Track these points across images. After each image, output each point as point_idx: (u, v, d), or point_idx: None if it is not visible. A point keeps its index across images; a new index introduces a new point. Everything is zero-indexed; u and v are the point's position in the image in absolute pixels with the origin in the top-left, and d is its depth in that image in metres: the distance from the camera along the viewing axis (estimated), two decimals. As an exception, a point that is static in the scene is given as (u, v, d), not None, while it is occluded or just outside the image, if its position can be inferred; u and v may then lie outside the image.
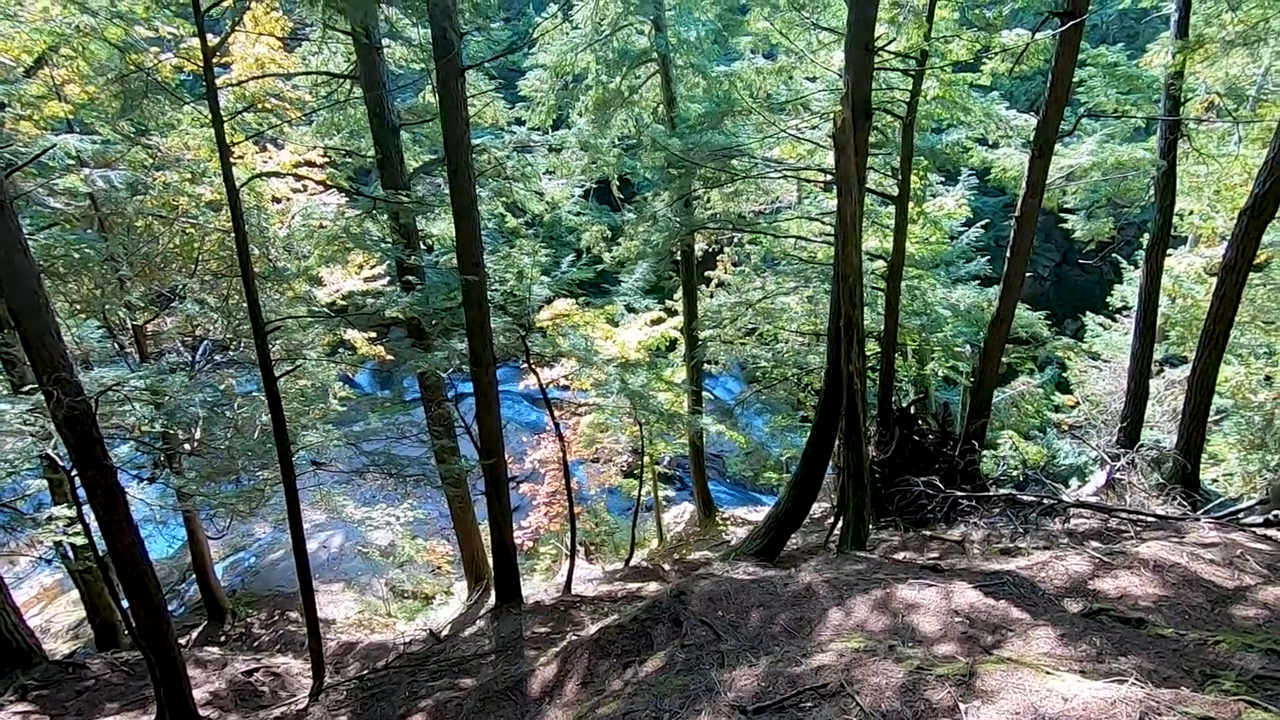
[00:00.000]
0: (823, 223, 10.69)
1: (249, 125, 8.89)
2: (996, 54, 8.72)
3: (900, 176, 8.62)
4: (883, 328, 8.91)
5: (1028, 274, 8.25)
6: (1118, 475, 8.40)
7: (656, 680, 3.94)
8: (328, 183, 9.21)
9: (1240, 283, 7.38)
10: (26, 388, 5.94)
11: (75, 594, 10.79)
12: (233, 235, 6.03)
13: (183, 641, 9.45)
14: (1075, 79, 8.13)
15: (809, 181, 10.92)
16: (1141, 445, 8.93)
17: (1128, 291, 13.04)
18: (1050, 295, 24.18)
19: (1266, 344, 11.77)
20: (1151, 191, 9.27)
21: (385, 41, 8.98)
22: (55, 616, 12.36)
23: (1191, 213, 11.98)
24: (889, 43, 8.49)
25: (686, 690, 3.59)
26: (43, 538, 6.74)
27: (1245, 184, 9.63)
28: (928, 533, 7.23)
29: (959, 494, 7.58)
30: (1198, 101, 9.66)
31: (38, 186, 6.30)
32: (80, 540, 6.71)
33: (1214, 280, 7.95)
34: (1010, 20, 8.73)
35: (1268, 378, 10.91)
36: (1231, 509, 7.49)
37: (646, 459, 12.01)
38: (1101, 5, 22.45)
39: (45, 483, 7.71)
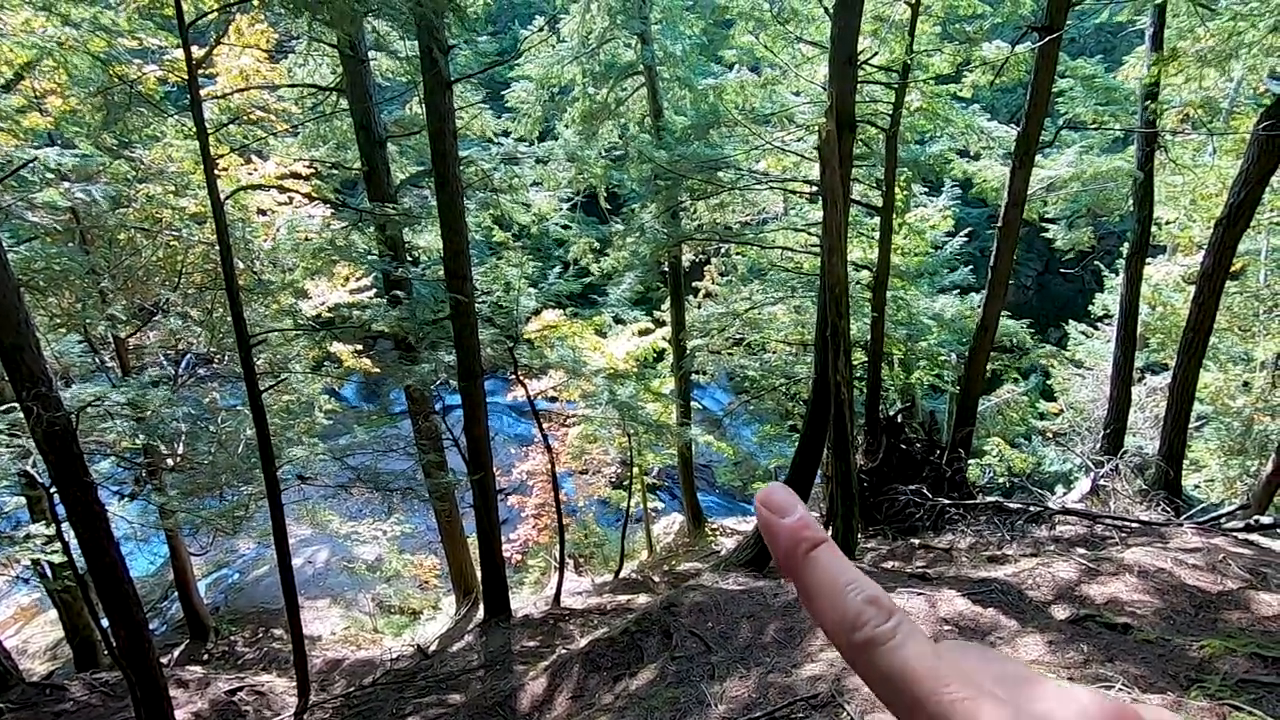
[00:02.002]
0: (809, 233, 10.78)
1: (234, 138, 8.85)
2: (977, 67, 8.88)
3: (884, 188, 8.72)
4: (869, 337, 8.97)
5: (1011, 283, 8.35)
6: (1102, 482, 8.49)
7: (647, 693, 3.92)
8: (313, 195, 9.17)
9: (1218, 291, 7.50)
10: (5, 404, 5.85)
11: (53, 613, 10.56)
12: (217, 248, 5.99)
13: (164, 660, 9.28)
14: (1055, 90, 8.28)
15: (795, 193, 11.01)
16: (1125, 452, 9.03)
17: (1109, 300, 13.24)
18: (1033, 304, 24.45)
19: (1244, 350, 11.97)
20: (1130, 201, 9.43)
21: (371, 54, 8.98)
22: (33, 637, 12.09)
23: (1169, 222, 12.20)
24: (872, 56, 8.62)
25: (678, 703, 3.57)
26: (20, 556, 6.61)
27: (1220, 194, 9.83)
28: (916, 541, 7.26)
29: (946, 502, 7.62)
30: (1173, 113, 9.86)
31: (17, 200, 6.22)
32: (59, 559, 6.59)
33: (1192, 288, 8.09)
34: (990, 34, 8.89)
35: (1246, 384, 11.10)
36: (1213, 514, 7.58)
37: (635, 470, 11.98)
38: (1079, 20, 22.89)
39: (23, 500, 7.57)
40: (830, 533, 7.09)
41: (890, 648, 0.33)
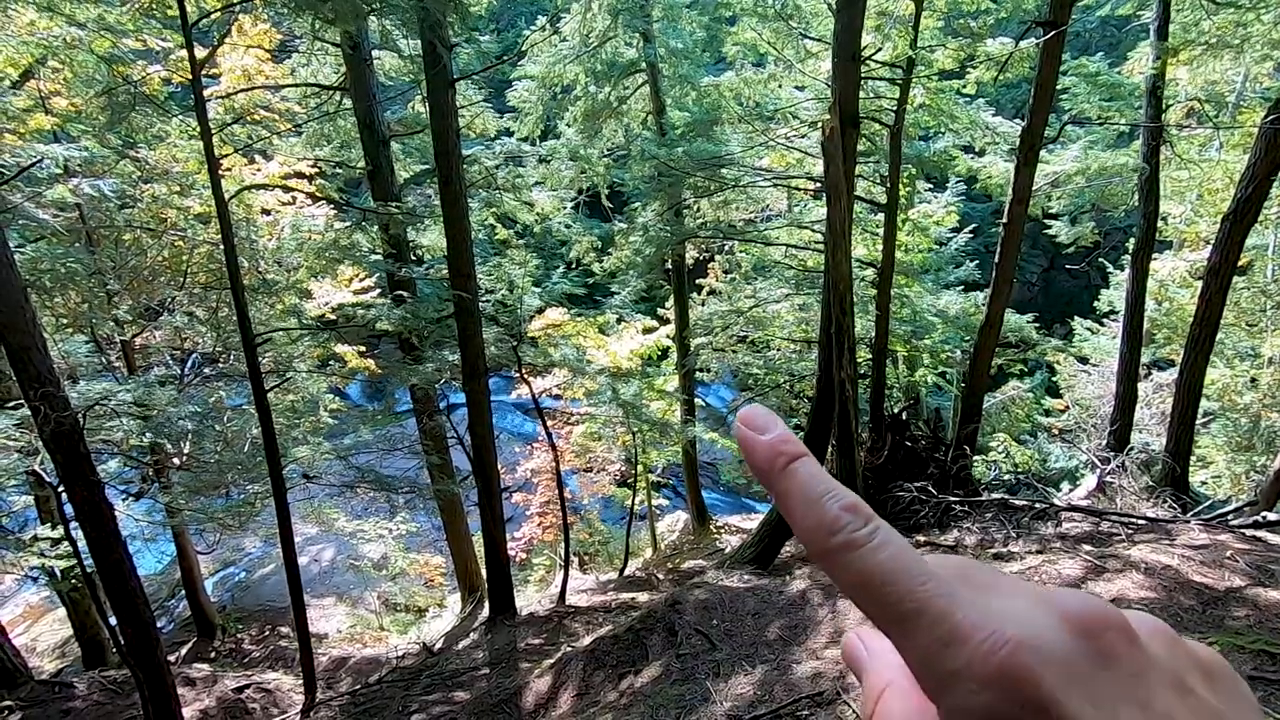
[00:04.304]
0: (812, 230, 10.75)
1: (238, 138, 8.87)
2: (981, 63, 8.84)
3: (889, 184, 8.69)
4: (873, 334, 8.95)
5: (1016, 279, 8.31)
6: (1108, 478, 8.45)
7: (652, 691, 3.92)
8: (317, 194, 9.19)
9: (1224, 286, 7.46)
10: (12, 403, 5.88)
11: (62, 612, 10.64)
12: (221, 248, 6.01)
13: (172, 659, 9.34)
14: (1059, 86, 8.23)
15: (798, 190, 10.99)
16: (1131, 448, 8.99)
17: (1114, 296, 13.18)
18: (1039, 300, 24.38)
19: (1251, 346, 11.90)
20: (1135, 196, 9.37)
21: (375, 53, 8.99)
22: (41, 635, 12.17)
23: (1175, 217, 12.13)
24: (876, 52, 8.58)
25: (682, 700, 3.57)
26: (28, 557, 6.65)
27: (1227, 188, 9.77)
28: (921, 538, 7.24)
29: (952, 499, 7.60)
30: (1179, 107, 9.80)
31: (25, 199, 6.25)
32: (64, 564, 6.63)
33: (1199, 284, 8.04)
34: (994, 30, 8.85)
35: (1253, 380, 11.03)
36: (1221, 510, 7.55)
37: (639, 468, 11.98)
38: (1083, 14, 22.77)
39: (31, 499, 7.62)
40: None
41: (868, 550, 0.33)
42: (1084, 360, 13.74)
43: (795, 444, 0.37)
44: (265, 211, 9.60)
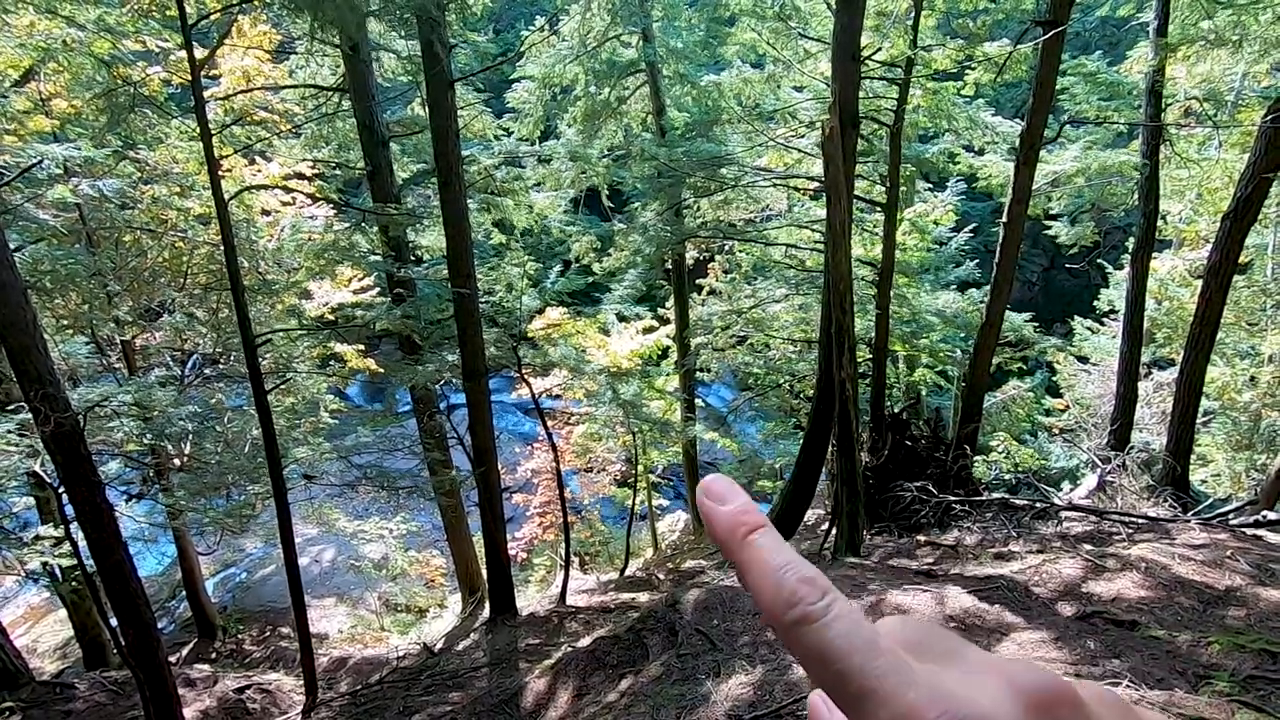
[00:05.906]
0: (812, 230, 10.75)
1: (237, 139, 8.87)
2: (980, 63, 8.84)
3: (888, 184, 8.70)
4: (873, 334, 8.95)
5: (1016, 279, 8.32)
6: (1108, 478, 8.46)
7: (652, 691, 3.92)
8: (317, 195, 9.19)
9: (1225, 285, 7.46)
10: (13, 405, 5.88)
11: (63, 613, 10.64)
12: (221, 248, 6.01)
13: (172, 659, 9.34)
14: (1058, 86, 8.23)
15: (798, 190, 10.99)
16: (1131, 448, 8.99)
17: (1114, 295, 13.17)
18: (1039, 300, 24.38)
19: (1251, 345, 11.90)
20: (1135, 196, 9.38)
21: (374, 54, 8.99)
22: (42, 636, 12.17)
23: (1175, 216, 12.13)
24: (875, 52, 8.59)
25: (683, 700, 3.57)
26: (29, 558, 6.65)
27: (1227, 187, 9.77)
28: (921, 538, 7.24)
29: (952, 499, 7.60)
30: (1177, 106, 9.80)
31: (25, 200, 6.25)
32: (67, 562, 6.63)
33: (1199, 283, 8.04)
34: (993, 29, 8.85)
35: (1253, 378, 11.03)
36: (1221, 510, 7.55)
37: (640, 468, 11.98)
38: (1083, 14, 22.77)
39: (32, 500, 7.62)
40: (836, 530, 7.09)
41: (822, 625, 0.34)
42: (1084, 360, 13.74)
43: (756, 515, 0.38)
44: (265, 212, 9.60)
